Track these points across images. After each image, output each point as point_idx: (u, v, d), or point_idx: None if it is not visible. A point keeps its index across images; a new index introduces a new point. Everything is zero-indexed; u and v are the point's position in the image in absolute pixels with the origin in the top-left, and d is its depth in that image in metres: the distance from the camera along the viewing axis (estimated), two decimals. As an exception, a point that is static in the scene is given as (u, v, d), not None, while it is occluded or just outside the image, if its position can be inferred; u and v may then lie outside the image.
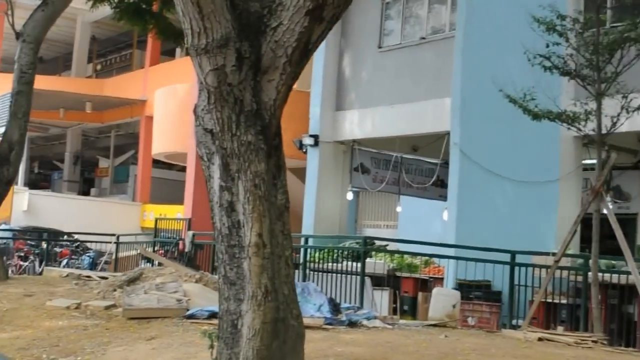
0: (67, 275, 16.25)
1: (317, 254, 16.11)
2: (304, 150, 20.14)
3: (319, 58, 19.88)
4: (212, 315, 10.06)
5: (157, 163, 34.60)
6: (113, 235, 23.92)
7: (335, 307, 10.76)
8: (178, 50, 36.50)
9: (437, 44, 18.50)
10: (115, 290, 12.80)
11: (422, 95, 18.26)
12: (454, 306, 11.78)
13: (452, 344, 9.03)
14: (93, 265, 23.80)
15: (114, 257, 22.85)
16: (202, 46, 5.91)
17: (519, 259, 13.81)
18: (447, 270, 15.66)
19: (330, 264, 15.74)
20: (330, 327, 9.77)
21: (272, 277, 6.15)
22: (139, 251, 20.18)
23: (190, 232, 19.14)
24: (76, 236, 25.26)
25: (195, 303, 10.91)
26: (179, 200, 34.61)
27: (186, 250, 18.88)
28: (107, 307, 11.44)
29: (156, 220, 21.73)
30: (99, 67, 43.54)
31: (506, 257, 13.85)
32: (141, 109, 34.37)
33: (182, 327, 9.81)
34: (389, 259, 16.51)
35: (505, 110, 15.38)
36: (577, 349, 9.69)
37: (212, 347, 6.83)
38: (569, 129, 12.27)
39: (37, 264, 23.42)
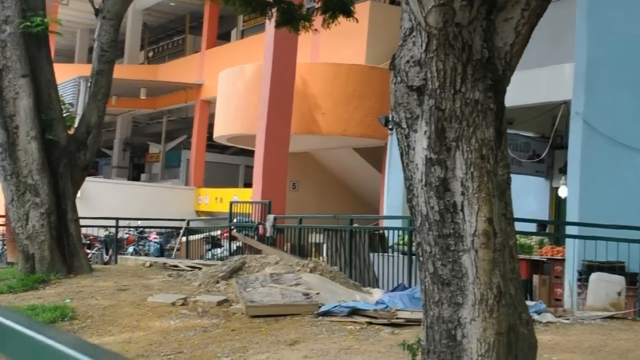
0: (150, 265, 15.04)
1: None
2: (390, 127, 18.62)
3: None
4: (353, 312, 8.74)
5: (209, 147, 33.74)
6: (182, 220, 22.87)
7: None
8: (233, 33, 35.44)
9: (552, 6, 16.90)
10: (218, 282, 11.50)
11: (535, 62, 16.61)
12: (619, 294, 10.32)
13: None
14: (161, 252, 22.84)
15: (184, 242, 21.72)
16: (426, -26, 4.49)
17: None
18: (570, 250, 14.14)
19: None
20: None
21: (503, 274, 4.78)
22: (234, 235, 18.94)
23: (272, 216, 17.83)
24: (141, 222, 24.17)
25: (322, 297, 9.58)
26: (233, 184, 33.66)
27: (267, 234, 17.60)
28: (220, 303, 10.13)
29: (231, 204, 20.41)
30: (150, 54, 42.98)
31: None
32: (197, 93, 33.58)
33: (323, 328, 8.40)
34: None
35: (638, 75, 13.95)
36: None
37: (415, 361, 5.46)
38: None
39: (103, 252, 22.49)
